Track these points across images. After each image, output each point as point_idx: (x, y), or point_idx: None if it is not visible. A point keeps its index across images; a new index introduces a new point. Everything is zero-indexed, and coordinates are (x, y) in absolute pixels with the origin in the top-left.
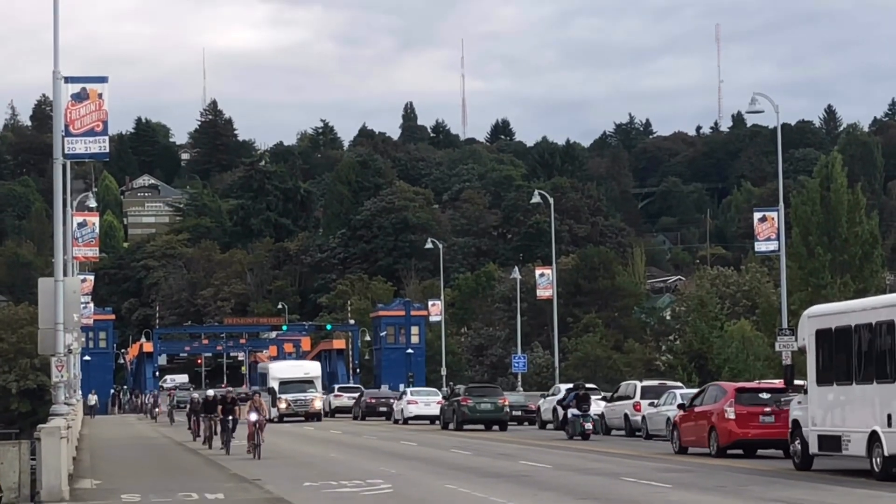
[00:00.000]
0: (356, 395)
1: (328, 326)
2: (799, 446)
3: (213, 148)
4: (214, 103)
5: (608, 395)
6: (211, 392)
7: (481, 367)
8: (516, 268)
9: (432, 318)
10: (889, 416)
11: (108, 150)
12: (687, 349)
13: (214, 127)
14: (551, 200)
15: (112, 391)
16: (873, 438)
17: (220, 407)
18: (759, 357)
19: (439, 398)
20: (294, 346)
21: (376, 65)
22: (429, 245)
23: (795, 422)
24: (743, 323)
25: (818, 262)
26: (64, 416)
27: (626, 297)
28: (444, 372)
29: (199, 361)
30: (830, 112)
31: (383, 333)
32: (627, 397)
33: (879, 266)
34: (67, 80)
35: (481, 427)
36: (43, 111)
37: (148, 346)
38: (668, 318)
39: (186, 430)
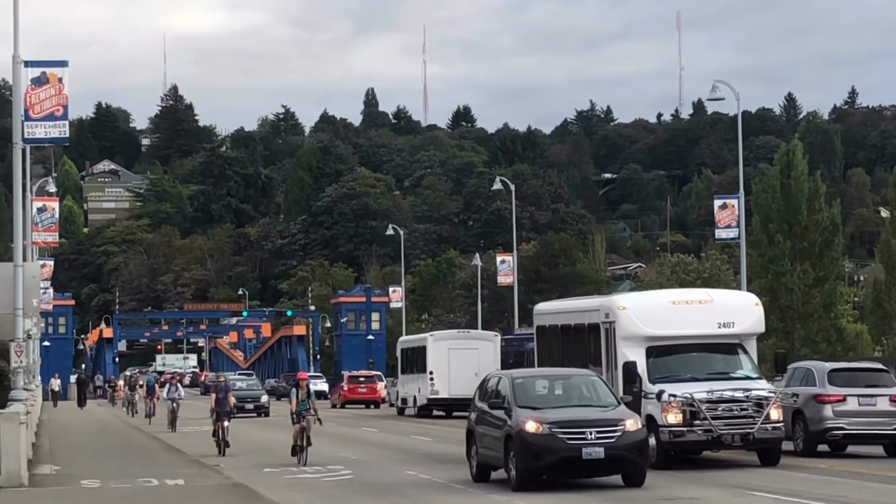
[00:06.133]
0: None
1: (289, 313)
2: None
3: (173, 133)
4: (175, 88)
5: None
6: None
7: None
8: (477, 254)
9: (393, 305)
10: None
11: (67, 135)
12: None
13: (175, 112)
14: (512, 187)
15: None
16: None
17: None
18: None
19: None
20: (255, 332)
21: (334, 49)
22: (390, 231)
23: None
24: None
25: (778, 249)
26: (23, 402)
27: (586, 284)
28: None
29: (159, 347)
30: (790, 100)
31: (344, 320)
32: None
33: (839, 254)
34: (27, 64)
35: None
36: (2, 95)
37: (108, 332)
38: None
39: None
